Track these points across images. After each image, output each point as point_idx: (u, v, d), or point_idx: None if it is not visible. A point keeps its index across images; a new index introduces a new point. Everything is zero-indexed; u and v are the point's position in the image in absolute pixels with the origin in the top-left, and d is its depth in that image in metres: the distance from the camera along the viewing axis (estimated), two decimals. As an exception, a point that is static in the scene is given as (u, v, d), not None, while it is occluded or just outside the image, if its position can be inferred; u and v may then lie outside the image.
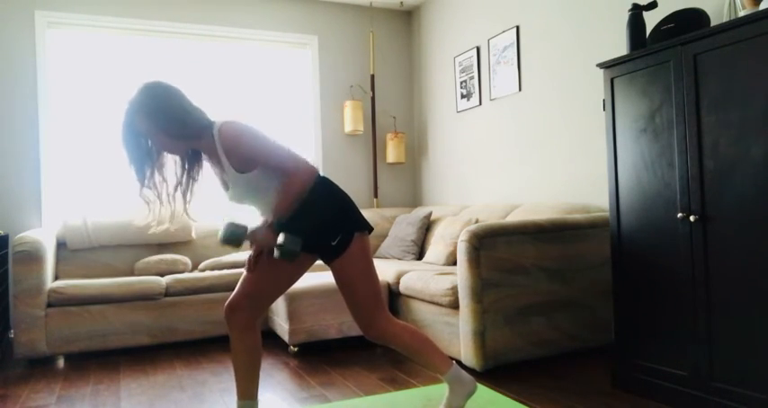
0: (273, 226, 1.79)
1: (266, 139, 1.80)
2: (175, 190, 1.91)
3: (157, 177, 1.87)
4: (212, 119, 1.88)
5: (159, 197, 1.88)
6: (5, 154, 4.00)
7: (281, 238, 1.76)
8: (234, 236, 1.75)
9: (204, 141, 1.85)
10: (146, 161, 1.84)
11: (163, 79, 1.86)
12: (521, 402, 2.31)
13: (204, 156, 1.94)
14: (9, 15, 4.04)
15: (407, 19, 5.30)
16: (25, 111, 4.05)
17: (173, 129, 1.79)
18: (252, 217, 2.02)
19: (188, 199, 1.94)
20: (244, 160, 1.81)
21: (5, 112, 4.01)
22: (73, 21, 4.19)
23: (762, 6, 2.06)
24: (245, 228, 1.77)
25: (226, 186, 1.94)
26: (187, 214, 1.95)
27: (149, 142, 1.83)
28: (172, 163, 1.93)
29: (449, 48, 4.69)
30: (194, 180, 1.96)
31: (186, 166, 1.94)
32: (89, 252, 3.86)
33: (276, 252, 1.77)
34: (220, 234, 1.77)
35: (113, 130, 4.23)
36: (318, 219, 1.87)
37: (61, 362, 3.27)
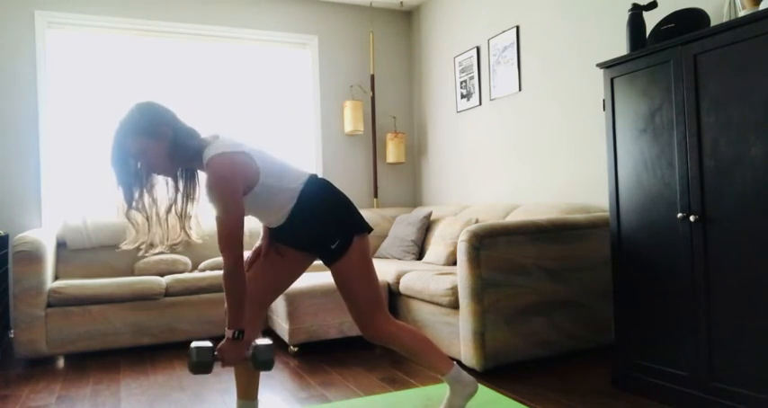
0: (235, 337, 1.71)
1: (232, 205, 1.71)
2: (168, 211, 1.88)
3: (147, 199, 1.84)
4: (205, 138, 1.83)
5: (149, 219, 1.85)
6: (5, 154, 4.00)
7: (250, 351, 1.72)
8: (201, 364, 1.67)
9: (195, 164, 1.84)
10: (134, 182, 1.80)
11: (154, 100, 1.83)
12: (521, 402, 2.31)
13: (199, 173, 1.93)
14: (9, 15, 4.04)
15: (407, 19, 5.30)
16: (25, 111, 4.05)
17: (163, 150, 1.77)
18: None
19: (185, 218, 1.90)
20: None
21: (5, 112, 4.01)
22: (73, 21, 4.19)
23: (762, 6, 2.06)
24: (210, 350, 1.69)
25: None
26: (187, 234, 1.91)
27: (138, 164, 1.81)
28: (163, 183, 1.89)
29: (449, 48, 4.69)
30: (190, 199, 1.92)
31: (180, 186, 1.90)
32: (89, 252, 3.86)
33: (250, 365, 1.72)
34: (188, 364, 1.70)
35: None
36: (317, 228, 1.87)
37: (61, 362, 3.27)
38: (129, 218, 1.83)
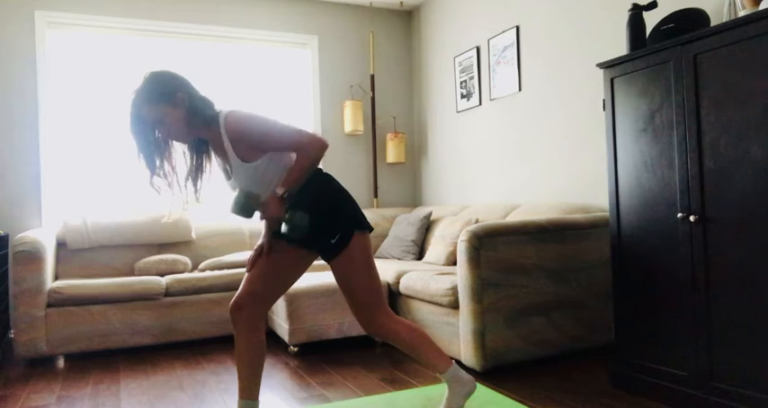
0: (283, 199, 1.79)
1: (273, 123, 1.81)
2: (186, 179, 1.93)
3: (167, 167, 1.88)
4: (218, 108, 1.89)
5: (170, 186, 1.89)
6: (5, 153, 4.00)
7: (289, 214, 1.78)
8: (246, 204, 1.75)
9: (211, 130, 1.86)
10: (154, 151, 1.84)
11: (168, 68, 1.88)
12: (521, 402, 2.31)
13: (210, 145, 1.96)
14: (9, 15, 4.04)
15: (407, 19, 5.30)
16: (25, 111, 4.05)
17: (180, 116, 1.80)
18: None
19: (198, 187, 1.95)
20: (251, 147, 1.82)
21: (5, 112, 4.01)
22: (73, 21, 4.19)
23: (762, 6, 2.06)
24: (257, 197, 1.77)
25: (228, 175, 1.95)
26: (198, 201, 1.97)
27: (157, 132, 1.84)
28: (180, 153, 1.94)
29: (449, 48, 4.69)
30: (202, 169, 1.97)
31: (194, 156, 1.95)
32: (89, 252, 3.86)
33: (284, 227, 1.78)
34: (232, 201, 1.77)
35: (117, 126, 4.24)
36: (318, 220, 1.87)
37: (61, 362, 3.27)
38: (152, 185, 1.86)
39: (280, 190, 1.79)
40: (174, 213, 1.93)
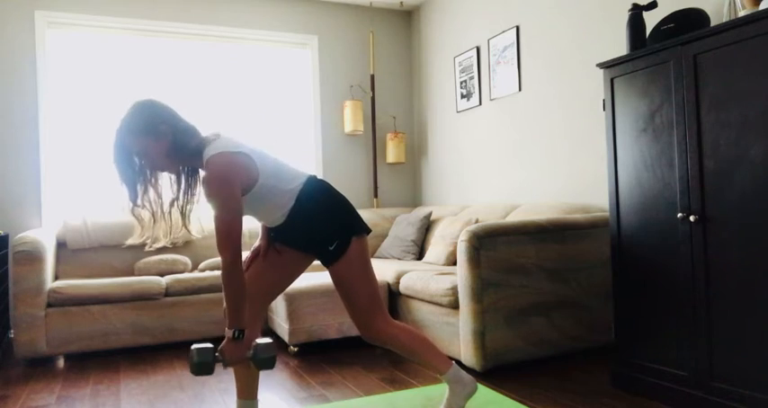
0: (236, 337, 1.71)
1: (231, 204, 1.71)
2: (171, 206, 1.90)
3: (151, 194, 1.86)
4: (206, 136, 1.84)
5: (153, 215, 1.86)
6: (5, 154, 4.00)
7: (251, 350, 1.72)
8: (202, 365, 1.67)
9: (196, 162, 1.84)
10: (138, 179, 1.82)
11: (154, 97, 1.85)
12: (521, 402, 2.31)
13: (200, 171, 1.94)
14: (9, 15, 4.04)
15: (407, 19, 5.30)
16: (25, 111, 4.05)
17: (163, 149, 1.78)
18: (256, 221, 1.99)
19: (187, 214, 1.93)
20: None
21: (5, 112, 4.01)
22: (73, 21, 4.19)
23: (762, 6, 2.06)
24: (211, 352, 1.70)
25: None
26: (187, 229, 1.94)
27: (141, 161, 1.82)
28: (167, 179, 1.91)
29: (449, 48, 4.69)
30: (192, 195, 1.94)
31: (182, 182, 1.92)
32: (89, 252, 3.85)
33: (252, 364, 1.72)
34: (189, 365, 1.70)
35: (115, 126, 4.24)
36: (315, 229, 1.87)
37: (61, 362, 3.27)
38: (134, 215, 1.85)
39: (229, 333, 1.71)
40: (157, 242, 1.90)
